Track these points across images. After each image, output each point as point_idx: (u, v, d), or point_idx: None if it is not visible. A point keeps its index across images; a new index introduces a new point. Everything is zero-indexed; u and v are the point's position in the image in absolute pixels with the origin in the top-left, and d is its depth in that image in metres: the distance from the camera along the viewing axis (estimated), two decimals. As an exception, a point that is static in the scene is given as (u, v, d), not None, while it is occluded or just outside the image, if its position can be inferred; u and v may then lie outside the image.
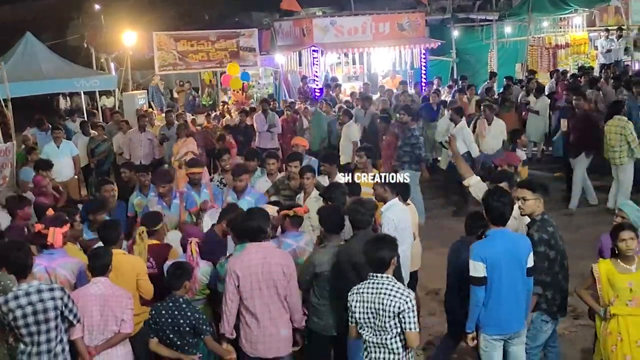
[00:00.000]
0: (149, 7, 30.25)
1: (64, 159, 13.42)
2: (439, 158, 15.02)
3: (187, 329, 6.01)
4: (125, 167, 10.89)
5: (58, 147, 13.58)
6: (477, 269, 5.97)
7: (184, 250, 6.99)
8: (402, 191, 7.81)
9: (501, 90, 19.29)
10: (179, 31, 22.98)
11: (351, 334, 5.85)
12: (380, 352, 5.62)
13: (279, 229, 7.47)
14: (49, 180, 10.51)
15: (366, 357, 5.71)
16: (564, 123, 14.17)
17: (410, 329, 5.48)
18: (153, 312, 6.10)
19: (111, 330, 6.15)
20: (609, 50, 23.70)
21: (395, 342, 5.55)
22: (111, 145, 15.47)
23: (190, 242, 6.87)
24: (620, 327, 6.13)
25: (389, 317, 5.47)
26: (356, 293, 5.62)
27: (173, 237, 7.66)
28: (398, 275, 6.52)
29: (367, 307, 5.56)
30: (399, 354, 5.59)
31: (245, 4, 33.43)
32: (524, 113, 16.88)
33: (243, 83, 22.45)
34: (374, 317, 5.54)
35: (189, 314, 6.02)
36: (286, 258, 6.39)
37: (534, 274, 6.26)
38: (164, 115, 17.49)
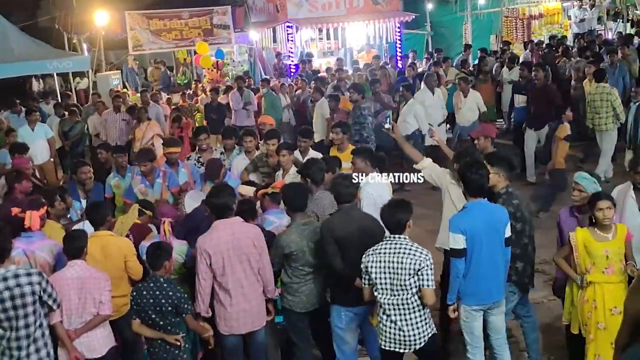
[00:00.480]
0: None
1: (39, 141, 13.30)
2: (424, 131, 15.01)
3: (170, 308, 6.00)
4: (101, 147, 10.83)
5: (33, 130, 13.45)
6: (456, 241, 6.01)
7: (158, 231, 7.00)
8: (380, 164, 7.84)
9: (476, 62, 19.35)
10: (151, 10, 22.76)
11: (365, 296, 5.93)
12: (399, 313, 5.71)
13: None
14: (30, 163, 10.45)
15: (386, 320, 5.77)
16: (519, 98, 14.29)
17: (427, 285, 5.63)
18: (134, 294, 6.08)
19: (90, 313, 6.13)
20: (582, 20, 23.87)
21: (415, 299, 5.69)
22: (86, 127, 15.36)
23: (164, 222, 6.90)
24: (596, 294, 6.17)
25: (409, 274, 5.59)
26: (372, 254, 5.72)
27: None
28: None
29: (384, 267, 5.66)
30: (419, 311, 5.73)
31: (217, -19, 33.18)
32: (498, 86, 16.92)
33: (217, 61, 22.30)
34: (391, 277, 5.64)
35: (170, 293, 6.01)
36: (255, 231, 6.41)
37: (511, 244, 6.35)
38: (139, 95, 17.36)
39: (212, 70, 22.66)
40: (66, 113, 15.25)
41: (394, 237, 5.75)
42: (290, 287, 6.58)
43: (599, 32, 23.31)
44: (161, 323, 6.05)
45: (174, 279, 6.59)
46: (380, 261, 5.68)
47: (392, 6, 22.63)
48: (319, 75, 18.32)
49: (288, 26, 21.24)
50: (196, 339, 6.77)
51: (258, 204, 7.50)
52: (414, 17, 23.03)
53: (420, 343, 5.79)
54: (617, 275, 6.17)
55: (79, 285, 6.07)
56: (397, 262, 5.62)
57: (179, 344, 6.09)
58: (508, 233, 6.24)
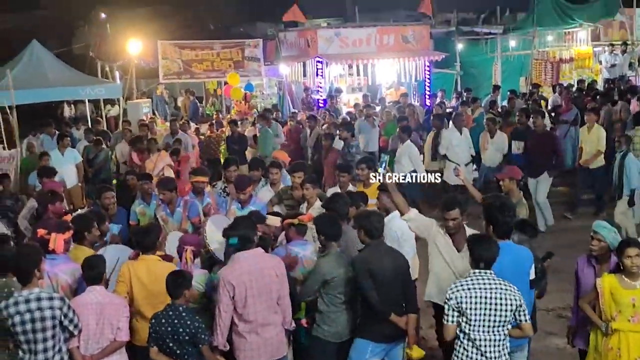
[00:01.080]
0: (155, 15, 30.34)
1: (68, 166, 13.52)
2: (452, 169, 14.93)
3: (187, 337, 5.98)
4: (130, 174, 10.96)
5: (63, 154, 13.67)
6: None
7: (180, 258, 7.00)
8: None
9: (504, 102, 19.32)
10: (183, 40, 23.03)
11: (448, 334, 5.81)
12: (495, 349, 5.67)
13: (280, 239, 7.49)
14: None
15: (479, 356, 5.67)
16: (517, 144, 13.88)
17: (527, 320, 5.73)
18: (153, 321, 6.05)
19: (107, 339, 6.14)
20: (613, 65, 23.79)
21: (507, 336, 5.70)
22: (111, 154, 15.50)
23: (186, 250, 6.90)
24: (621, 343, 6.09)
25: (511, 310, 5.59)
26: (462, 290, 5.63)
27: (172, 239, 7.64)
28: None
29: (482, 303, 5.58)
30: (508, 347, 5.75)
31: (250, 15, 33.61)
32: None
33: (245, 93, 22.47)
34: (490, 313, 5.59)
35: (188, 322, 5.99)
36: (276, 260, 6.46)
37: (535, 286, 6.31)
38: (168, 124, 17.52)
39: (240, 102, 22.83)
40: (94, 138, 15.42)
41: (485, 272, 5.69)
42: (327, 316, 6.57)
43: (630, 77, 23.22)
44: (178, 352, 6.01)
45: (193, 309, 6.58)
46: (476, 297, 5.58)
47: (422, 45, 22.73)
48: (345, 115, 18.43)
49: (318, 61, 21.37)
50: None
51: (282, 234, 7.51)
52: (443, 56, 23.10)
53: None
54: None
55: (98, 310, 6.08)
56: (497, 298, 5.58)
57: None
58: (532, 275, 6.23)
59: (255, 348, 6.28)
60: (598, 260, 6.45)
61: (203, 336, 6.04)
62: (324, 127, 15.98)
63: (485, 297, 5.56)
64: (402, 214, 7.06)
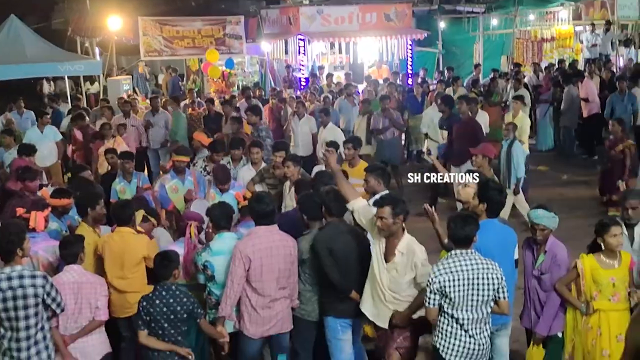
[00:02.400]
0: (135, -8, 30.01)
1: (48, 144, 13.34)
2: (424, 149, 14.98)
3: (184, 315, 5.97)
4: (110, 152, 10.81)
5: (42, 132, 13.52)
6: None
7: (183, 234, 7.09)
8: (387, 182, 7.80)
9: (486, 80, 19.38)
10: (165, 17, 22.81)
11: (432, 317, 5.76)
12: (478, 327, 5.68)
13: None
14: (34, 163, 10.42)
15: (463, 335, 5.66)
16: (443, 134, 13.58)
17: (505, 297, 5.70)
18: (144, 303, 5.98)
19: (85, 318, 6.16)
20: (594, 45, 23.84)
21: (489, 313, 5.71)
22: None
23: (190, 225, 6.98)
24: (601, 322, 6.15)
25: (493, 289, 5.58)
26: (445, 273, 5.55)
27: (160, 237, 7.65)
28: None
29: (465, 284, 5.54)
30: (490, 323, 5.80)
31: (232, -9, 33.27)
32: (505, 108, 16.88)
33: (223, 71, 22.32)
34: (473, 293, 5.56)
35: (184, 299, 5.99)
36: (291, 240, 6.50)
37: (517, 266, 6.38)
38: (148, 101, 17.38)
39: (218, 80, 22.68)
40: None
41: (465, 252, 5.63)
42: (304, 295, 6.61)
43: (611, 57, 23.30)
44: (172, 332, 6.00)
45: (184, 285, 6.57)
46: (458, 279, 5.53)
47: (404, 23, 22.69)
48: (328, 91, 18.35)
49: (300, 39, 21.30)
50: (204, 350, 6.78)
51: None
52: (426, 35, 23.09)
53: (487, 354, 5.83)
54: (622, 302, 6.17)
55: (75, 289, 6.09)
56: (480, 278, 5.55)
57: (190, 357, 6.05)
58: (516, 255, 6.34)
59: (266, 322, 6.37)
60: (537, 242, 6.39)
61: (199, 310, 6.11)
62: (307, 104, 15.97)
63: (468, 278, 5.53)
64: (346, 202, 6.55)
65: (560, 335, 6.43)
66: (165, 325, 5.96)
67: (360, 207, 6.40)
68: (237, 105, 16.11)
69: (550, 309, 6.34)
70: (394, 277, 5.96)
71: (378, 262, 6.05)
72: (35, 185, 8.64)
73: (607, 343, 6.09)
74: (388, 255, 6.01)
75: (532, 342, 6.46)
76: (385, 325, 6.12)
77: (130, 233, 6.89)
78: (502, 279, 5.62)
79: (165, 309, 5.93)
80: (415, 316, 6.00)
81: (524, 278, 6.59)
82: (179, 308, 5.94)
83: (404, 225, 6.01)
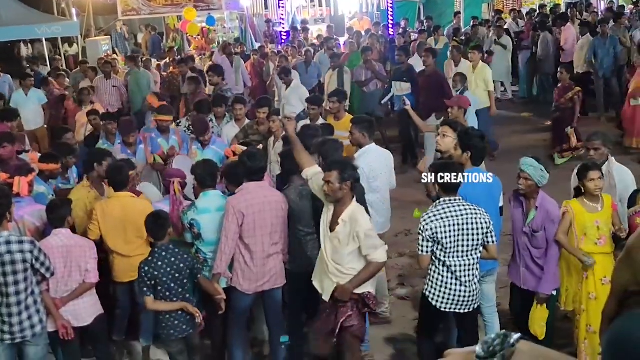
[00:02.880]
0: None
1: (33, 107, 13.20)
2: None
3: (188, 271, 5.98)
4: (93, 114, 10.70)
5: (26, 95, 13.37)
6: None
7: (167, 191, 7.06)
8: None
9: (467, 28, 19.30)
10: (141, -26, 22.49)
11: (424, 265, 5.86)
12: (469, 273, 5.75)
13: None
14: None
15: (454, 282, 5.75)
16: (399, 85, 12.92)
17: (493, 242, 5.82)
18: (146, 268, 5.90)
19: (76, 281, 6.17)
20: (575, -11, 23.76)
21: (478, 259, 5.78)
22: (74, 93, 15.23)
23: (173, 182, 6.93)
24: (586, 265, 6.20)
25: (482, 233, 5.66)
26: (436, 220, 5.62)
27: (145, 189, 7.62)
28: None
29: (454, 230, 5.61)
30: (479, 269, 5.86)
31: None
32: (487, 56, 16.83)
33: (202, 27, 22.08)
34: (463, 238, 5.64)
35: (185, 256, 6.00)
36: (282, 196, 6.51)
37: (502, 214, 6.41)
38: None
39: (197, 38, 22.45)
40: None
41: (453, 199, 5.71)
42: (293, 248, 6.63)
43: (591, 1, 23.25)
44: (180, 290, 5.97)
45: (178, 241, 6.54)
46: (449, 224, 5.60)
47: (385, -27, 22.47)
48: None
49: (279, -8, 21.07)
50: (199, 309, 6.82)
51: None
52: (406, -16, 22.89)
53: (477, 301, 5.91)
54: (607, 246, 6.21)
55: (64, 253, 6.09)
56: (469, 223, 5.63)
57: (198, 314, 6.05)
58: (502, 202, 6.39)
59: (260, 278, 6.39)
60: (526, 197, 6.21)
61: (199, 266, 6.16)
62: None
63: (458, 224, 5.61)
64: (301, 170, 6.29)
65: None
66: (172, 285, 5.92)
67: (314, 174, 6.04)
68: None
69: (552, 267, 6.20)
70: (336, 247, 5.68)
71: (323, 231, 5.79)
72: (11, 151, 8.43)
73: (592, 286, 6.14)
74: (333, 224, 5.71)
75: (535, 303, 6.26)
76: (327, 299, 5.84)
77: (129, 197, 6.86)
78: (490, 223, 5.70)
79: (169, 269, 5.88)
80: (358, 290, 5.73)
81: (513, 233, 6.52)
82: (182, 265, 5.93)
83: (353, 193, 5.70)
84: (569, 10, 20.76)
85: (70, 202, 6.43)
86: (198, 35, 22.20)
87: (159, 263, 5.88)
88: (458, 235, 5.63)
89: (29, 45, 24.53)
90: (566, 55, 16.30)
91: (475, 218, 5.65)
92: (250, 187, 6.36)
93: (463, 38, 18.24)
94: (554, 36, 16.84)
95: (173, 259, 5.91)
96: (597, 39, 15.17)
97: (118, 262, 6.79)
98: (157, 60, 19.74)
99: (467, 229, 5.63)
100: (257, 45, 20.26)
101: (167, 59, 18.35)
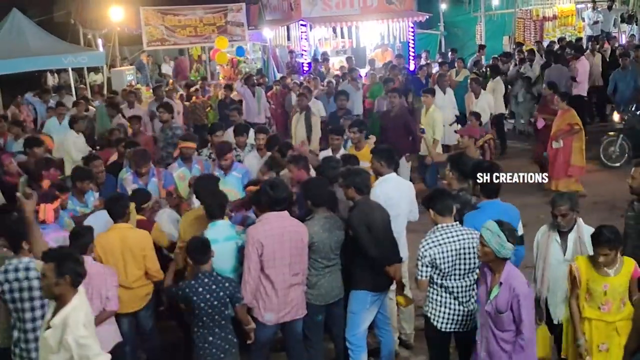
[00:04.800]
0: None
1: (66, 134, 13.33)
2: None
3: (227, 299, 6.02)
4: (119, 141, 10.85)
5: (60, 123, 13.55)
6: None
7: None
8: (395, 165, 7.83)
9: (489, 62, 19.38)
10: (166, 6, 22.83)
11: (423, 288, 6.08)
12: (467, 294, 5.95)
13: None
14: (11, 160, 10.36)
15: (453, 303, 5.95)
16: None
17: None
18: (187, 290, 5.95)
19: (96, 309, 6.15)
20: (595, 22, 23.77)
21: (475, 280, 5.90)
22: (94, 122, 15.45)
23: None
24: (585, 329, 5.90)
25: (478, 256, 5.66)
26: (434, 247, 5.82)
27: (162, 216, 7.68)
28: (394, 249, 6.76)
29: (451, 255, 5.80)
30: (475, 290, 5.93)
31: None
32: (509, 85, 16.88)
33: (232, 58, 22.36)
34: (460, 262, 5.83)
35: (227, 284, 6.03)
36: (302, 226, 6.50)
37: (523, 243, 6.44)
38: (152, 91, 17.45)
39: (226, 67, 22.72)
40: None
41: (450, 225, 5.93)
42: (309, 280, 6.63)
43: (613, 34, 23.25)
44: (216, 317, 6.02)
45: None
46: (447, 250, 5.79)
47: (406, 6, 22.60)
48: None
49: (302, 24, 21.27)
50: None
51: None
52: (427, 17, 23.01)
53: (474, 321, 5.95)
54: (613, 314, 5.80)
55: (85, 281, 6.08)
56: (465, 247, 5.83)
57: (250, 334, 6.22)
58: (520, 231, 6.38)
59: (281, 309, 6.40)
60: (491, 269, 5.47)
61: (239, 295, 6.14)
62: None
63: (456, 249, 5.81)
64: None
65: None
66: (210, 311, 5.96)
67: None
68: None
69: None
70: (46, 354, 4.86)
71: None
72: (55, 174, 8.71)
73: (589, 349, 5.88)
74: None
75: None
76: None
77: (127, 229, 6.86)
78: None
79: (208, 296, 5.93)
80: None
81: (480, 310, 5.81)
82: (222, 294, 5.97)
83: (74, 290, 4.89)
84: (589, 43, 20.82)
85: (92, 230, 6.46)
86: (227, 64, 22.45)
87: (200, 289, 5.93)
88: (455, 259, 5.82)
89: (55, 74, 24.92)
90: (579, 87, 16.30)
91: (472, 242, 5.83)
92: (271, 218, 6.37)
93: (484, 70, 18.31)
94: (569, 68, 16.81)
95: (214, 286, 5.96)
96: (618, 71, 15.20)
97: (121, 294, 6.62)
98: (180, 90, 19.98)
99: (464, 253, 5.84)
100: (279, 76, 20.45)
101: (196, 86, 18.61)
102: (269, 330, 6.50)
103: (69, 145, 11.93)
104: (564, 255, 6.18)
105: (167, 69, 26.48)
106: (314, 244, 6.51)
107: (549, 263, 6.23)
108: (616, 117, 14.58)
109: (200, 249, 6.10)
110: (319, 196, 6.68)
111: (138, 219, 7.30)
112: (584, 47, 20.31)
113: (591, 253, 5.84)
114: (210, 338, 6.06)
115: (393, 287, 6.88)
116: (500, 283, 5.30)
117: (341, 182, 6.83)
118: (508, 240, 5.22)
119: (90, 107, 16.04)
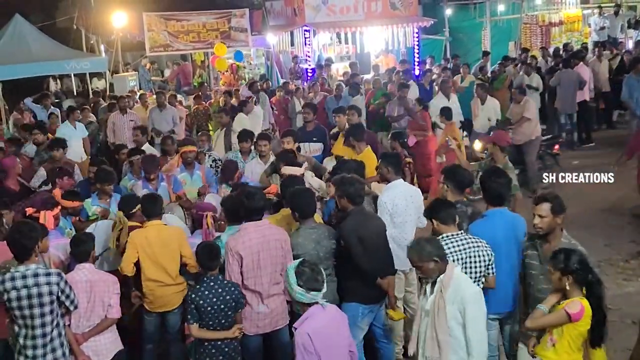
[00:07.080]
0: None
1: (79, 140, 13.30)
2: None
3: (233, 304, 6.09)
4: (121, 148, 10.86)
5: (75, 127, 13.47)
6: None
7: (200, 225, 7.20)
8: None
9: (495, 67, 19.25)
10: (169, 12, 22.76)
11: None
12: None
13: None
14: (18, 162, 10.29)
15: None
16: None
17: (493, 273, 5.91)
18: (193, 296, 6.06)
19: (98, 316, 6.15)
20: (602, 28, 23.67)
21: (481, 289, 5.71)
22: (99, 128, 15.35)
23: (206, 216, 7.13)
24: None
25: (485, 265, 5.78)
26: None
27: (169, 220, 7.61)
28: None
29: (459, 264, 5.66)
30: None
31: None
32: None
33: (232, 64, 22.26)
34: (466, 271, 5.70)
35: (232, 288, 6.12)
36: (283, 233, 6.48)
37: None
38: (154, 96, 17.32)
39: (226, 73, 22.62)
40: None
41: (455, 234, 5.81)
42: None
43: (620, 40, 23.12)
44: (223, 321, 6.09)
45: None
46: (452, 260, 5.60)
47: (410, 11, 22.52)
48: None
49: (306, 30, 21.20)
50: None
51: None
52: (432, 22, 22.93)
53: None
54: (558, 354, 5.26)
55: (87, 288, 6.08)
56: (473, 256, 5.73)
57: (238, 335, 6.17)
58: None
59: (261, 318, 6.39)
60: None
61: (243, 300, 6.20)
62: (311, 95, 16.00)
63: (461, 259, 5.70)
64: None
65: None
66: (216, 315, 6.05)
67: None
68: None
69: None
70: None
71: None
72: (69, 182, 8.82)
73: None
74: None
75: None
76: None
77: (161, 225, 6.96)
78: (492, 255, 5.80)
79: (214, 299, 6.02)
80: None
81: None
82: (228, 297, 6.06)
83: None
84: (596, 49, 20.67)
85: (93, 237, 6.45)
86: (226, 71, 22.38)
87: (206, 292, 6.03)
88: (462, 268, 5.65)
89: (58, 80, 24.87)
90: (582, 93, 16.14)
91: (478, 251, 5.76)
92: (249, 228, 6.34)
93: (489, 76, 18.17)
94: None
95: (220, 290, 6.05)
96: (630, 77, 14.87)
97: (158, 292, 6.79)
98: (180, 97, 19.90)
99: (470, 262, 5.75)
100: (282, 82, 20.36)
101: (197, 94, 18.49)
102: (254, 340, 6.48)
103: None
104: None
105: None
106: (299, 256, 6.33)
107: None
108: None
109: (209, 255, 6.17)
110: (305, 207, 6.55)
111: (131, 224, 7.22)
112: (589, 52, 20.16)
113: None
114: (218, 342, 6.12)
115: (400, 295, 6.76)
116: None
117: (335, 192, 6.76)
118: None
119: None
